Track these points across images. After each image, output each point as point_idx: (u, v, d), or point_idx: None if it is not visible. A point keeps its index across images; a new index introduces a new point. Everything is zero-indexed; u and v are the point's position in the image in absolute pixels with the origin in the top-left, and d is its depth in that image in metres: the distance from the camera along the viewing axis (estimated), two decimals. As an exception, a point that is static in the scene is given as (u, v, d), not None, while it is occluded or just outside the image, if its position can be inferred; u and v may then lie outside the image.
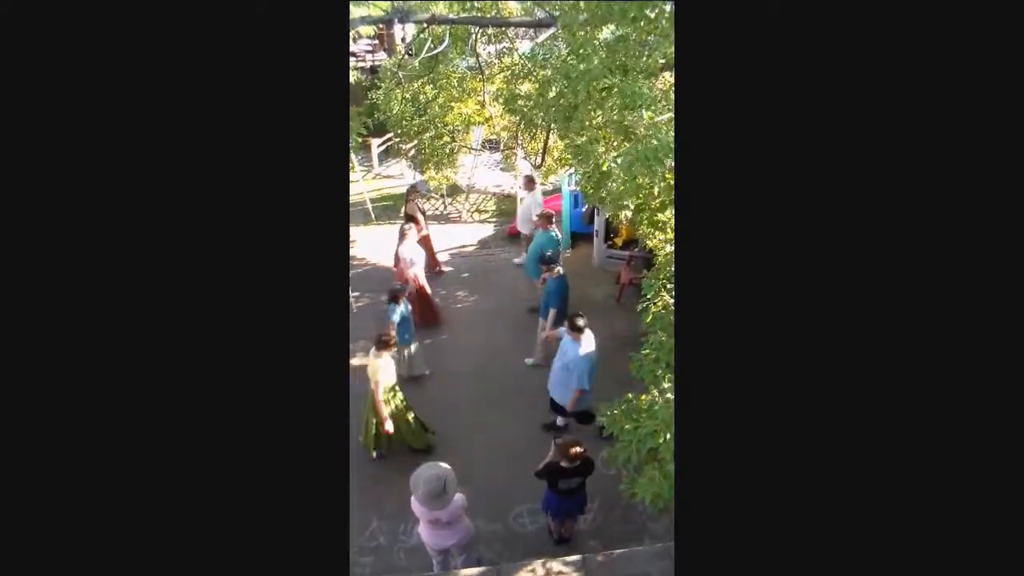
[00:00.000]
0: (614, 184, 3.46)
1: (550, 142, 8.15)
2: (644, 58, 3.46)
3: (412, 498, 4.23)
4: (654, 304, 4.63)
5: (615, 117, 3.57)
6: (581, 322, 5.35)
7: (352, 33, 7.91)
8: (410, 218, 7.88)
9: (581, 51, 3.77)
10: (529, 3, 7.29)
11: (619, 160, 3.36)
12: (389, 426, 5.49)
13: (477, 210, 10.55)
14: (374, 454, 5.80)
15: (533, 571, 3.75)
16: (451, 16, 7.16)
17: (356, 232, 9.67)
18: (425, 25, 7.40)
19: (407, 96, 8.20)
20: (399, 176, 11.56)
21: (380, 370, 5.35)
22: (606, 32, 4.20)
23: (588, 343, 5.41)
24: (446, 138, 8.49)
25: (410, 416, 5.79)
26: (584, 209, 8.93)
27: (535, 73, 6.58)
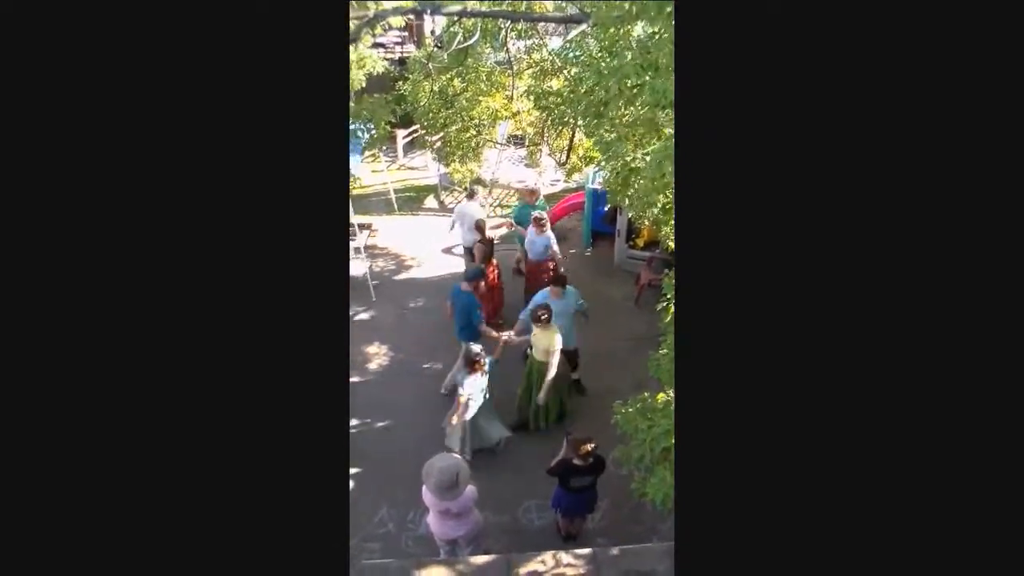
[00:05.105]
0: (642, 181, 3.44)
1: (575, 140, 8.15)
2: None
3: (423, 487, 4.24)
4: (673, 304, 4.62)
5: (645, 114, 3.55)
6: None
7: (382, 24, 7.93)
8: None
9: (613, 48, 3.75)
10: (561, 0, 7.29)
11: (648, 157, 3.35)
12: (541, 397, 5.78)
13: (500, 205, 10.55)
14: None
15: (543, 562, 3.75)
16: (482, 10, 7.16)
17: (378, 222, 9.72)
18: (456, 18, 7.42)
19: (435, 88, 8.23)
20: (423, 168, 11.60)
21: (557, 342, 5.61)
22: (638, 29, 4.19)
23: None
24: (472, 132, 8.51)
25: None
26: (606, 209, 8.90)
27: (565, 70, 6.57)
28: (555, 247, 7.12)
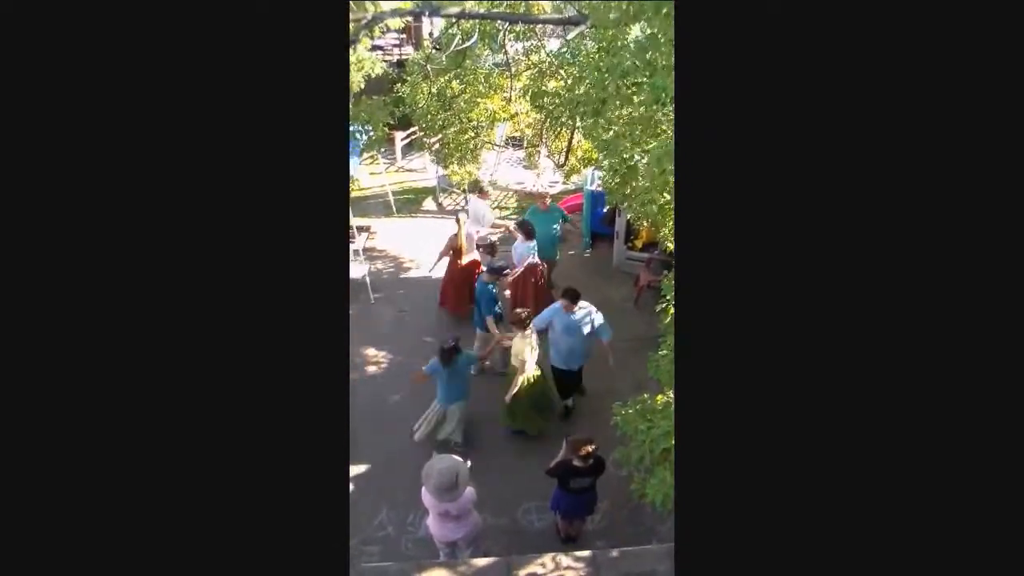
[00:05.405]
0: (642, 180, 3.44)
1: (574, 141, 8.14)
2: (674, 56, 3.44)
3: (423, 489, 4.24)
4: (672, 305, 4.61)
5: (643, 112, 3.55)
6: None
7: (380, 27, 7.92)
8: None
9: (611, 47, 3.76)
10: (559, 1, 7.28)
11: (646, 155, 3.35)
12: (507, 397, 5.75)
13: (498, 207, 10.54)
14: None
15: (543, 564, 3.75)
16: (480, 12, 7.15)
17: (377, 224, 9.71)
18: (454, 20, 7.41)
19: (433, 90, 8.21)
20: (422, 170, 11.59)
21: (526, 352, 5.59)
22: (636, 30, 4.19)
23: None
24: (470, 133, 8.49)
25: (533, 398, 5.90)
26: (605, 210, 8.90)
27: (563, 70, 6.56)
28: (535, 257, 7.07)
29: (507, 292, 7.26)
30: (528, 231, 7.09)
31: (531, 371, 5.75)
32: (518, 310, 5.83)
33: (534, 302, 6.75)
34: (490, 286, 6.35)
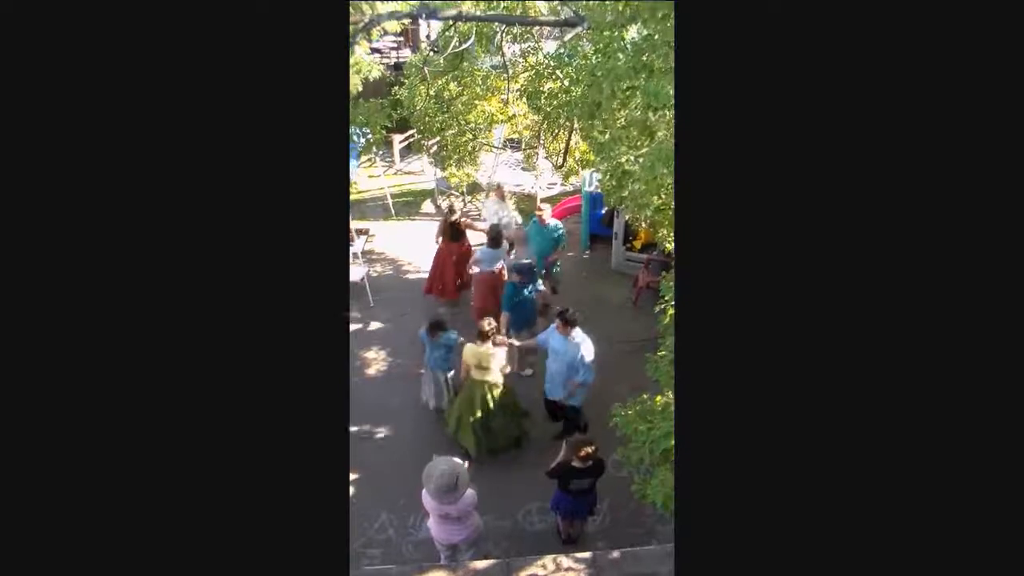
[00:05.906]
0: (636, 184, 3.45)
1: (572, 143, 8.15)
2: (671, 58, 3.45)
3: (423, 491, 4.24)
4: (671, 306, 4.61)
5: (638, 115, 3.56)
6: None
7: (377, 29, 7.94)
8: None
9: (607, 50, 3.77)
10: (556, 3, 7.29)
11: (641, 160, 3.36)
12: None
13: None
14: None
15: (543, 566, 3.75)
16: (477, 13, 7.16)
17: (376, 227, 9.71)
18: (451, 22, 7.42)
19: (431, 93, 8.23)
20: (420, 172, 11.60)
21: (483, 360, 5.62)
22: (632, 32, 4.20)
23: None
24: (468, 136, 8.51)
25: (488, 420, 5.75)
26: (604, 211, 8.91)
27: (560, 71, 6.58)
28: (503, 265, 6.95)
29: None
30: (495, 238, 6.94)
31: (496, 382, 5.64)
32: (484, 321, 5.65)
33: (496, 308, 6.64)
34: (514, 287, 6.37)
